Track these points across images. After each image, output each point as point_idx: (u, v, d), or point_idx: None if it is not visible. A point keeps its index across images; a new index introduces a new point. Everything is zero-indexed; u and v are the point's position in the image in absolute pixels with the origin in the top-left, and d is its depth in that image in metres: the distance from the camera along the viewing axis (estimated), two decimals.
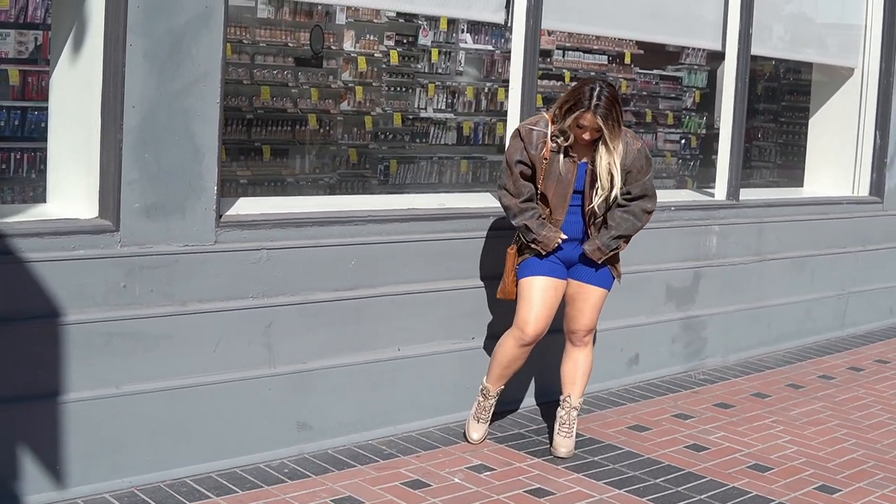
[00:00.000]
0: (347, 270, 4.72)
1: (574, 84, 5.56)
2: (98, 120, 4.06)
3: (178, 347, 4.21)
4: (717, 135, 6.82)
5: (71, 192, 4.22)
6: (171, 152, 4.14)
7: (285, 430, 4.55)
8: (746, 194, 6.85)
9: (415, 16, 10.03)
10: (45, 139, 4.47)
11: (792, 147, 11.93)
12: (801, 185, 8.09)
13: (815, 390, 6.18)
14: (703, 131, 12.41)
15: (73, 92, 4.20)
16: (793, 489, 4.60)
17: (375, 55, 9.87)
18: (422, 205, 5.25)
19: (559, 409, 4.88)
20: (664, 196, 5.84)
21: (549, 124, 4.60)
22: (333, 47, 9.65)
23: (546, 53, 10.79)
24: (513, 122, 5.38)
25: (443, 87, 10.44)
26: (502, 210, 4.81)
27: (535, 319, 4.68)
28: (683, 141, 12.40)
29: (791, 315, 7.09)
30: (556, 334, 4.91)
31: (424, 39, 10.24)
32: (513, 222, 4.71)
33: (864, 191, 7.74)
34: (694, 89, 12.55)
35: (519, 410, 5.41)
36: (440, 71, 10.45)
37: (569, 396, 4.86)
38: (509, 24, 5.46)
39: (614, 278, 4.82)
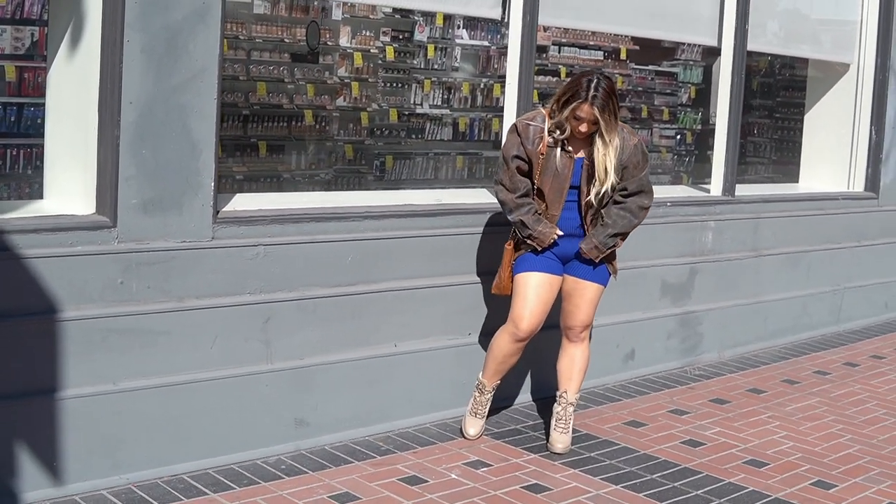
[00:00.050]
0: (345, 266, 4.72)
1: (571, 76, 5.57)
2: (95, 116, 4.06)
3: (176, 344, 4.21)
4: (713, 130, 6.82)
5: (68, 188, 4.22)
6: (169, 148, 4.14)
7: (283, 426, 4.55)
8: (742, 190, 6.86)
9: (410, 12, 10.03)
10: (41, 135, 4.47)
11: (787, 143, 11.94)
12: (797, 181, 8.10)
13: (810, 386, 6.19)
14: (699, 127, 12.41)
15: (71, 88, 4.20)
16: (789, 484, 4.61)
17: (371, 51, 9.86)
18: (419, 201, 5.25)
19: (555, 404, 4.89)
20: (660, 192, 5.86)
21: (546, 119, 4.61)
22: (329, 43, 9.64)
23: (542, 49, 10.78)
24: (509, 118, 5.38)
25: (439, 83, 10.43)
26: (499, 206, 4.81)
27: (530, 316, 4.69)
28: (679, 137, 12.40)
29: (787, 310, 7.10)
30: (552, 330, 4.92)
31: (420, 35, 10.23)
32: (509, 217, 4.72)
33: (859, 186, 7.76)
34: (689, 85, 12.54)
35: (515, 406, 5.42)
36: (436, 67, 10.45)
37: (565, 392, 4.86)
38: (506, 20, 5.46)
39: (610, 274, 4.83)
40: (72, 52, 4.16)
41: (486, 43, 10.66)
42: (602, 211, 4.68)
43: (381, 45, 9.94)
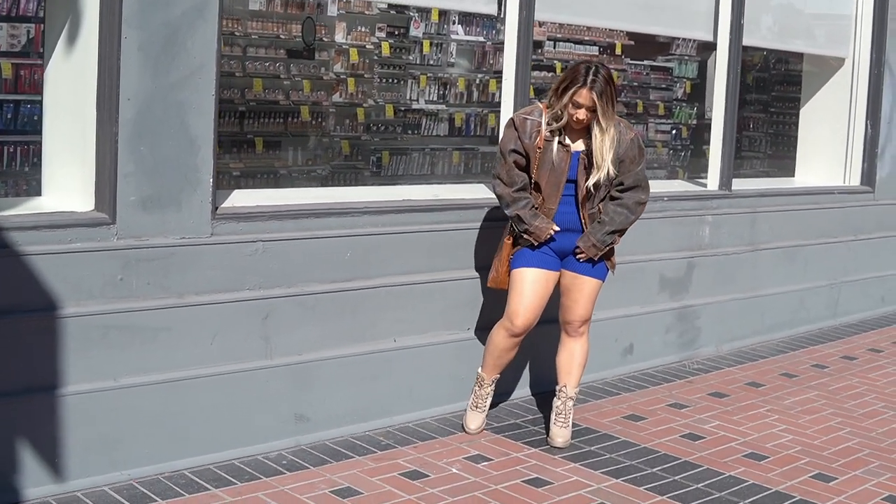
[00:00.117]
0: (344, 262, 4.72)
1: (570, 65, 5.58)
2: (93, 113, 4.05)
3: (176, 340, 4.21)
4: (708, 125, 6.84)
5: (67, 185, 4.21)
6: (167, 145, 4.14)
7: (283, 421, 4.56)
8: (738, 184, 6.87)
9: (406, 7, 10.03)
10: (38, 132, 4.46)
11: (783, 137, 11.96)
12: (793, 176, 8.11)
13: (808, 379, 6.21)
14: (694, 122, 12.43)
15: (68, 85, 4.19)
16: (789, 477, 4.62)
17: (367, 47, 9.86)
18: (417, 196, 5.25)
19: (555, 399, 4.90)
20: (656, 186, 5.87)
21: (544, 114, 4.61)
22: (325, 39, 9.64)
23: (537, 45, 10.78)
24: (506, 113, 5.39)
25: (434, 79, 10.43)
26: (496, 200, 4.82)
27: (525, 311, 4.70)
28: (674, 131, 12.42)
29: (784, 304, 7.12)
30: (551, 325, 4.92)
31: (416, 31, 10.23)
32: (506, 212, 4.72)
33: (855, 180, 7.77)
34: (685, 80, 12.56)
35: (515, 401, 5.43)
36: (432, 62, 10.44)
37: (565, 386, 4.87)
38: (502, 16, 5.46)
39: (609, 269, 4.83)
40: (69, 48, 4.16)
41: (481, 38, 10.66)
42: (599, 206, 4.68)
43: (377, 40, 9.94)
